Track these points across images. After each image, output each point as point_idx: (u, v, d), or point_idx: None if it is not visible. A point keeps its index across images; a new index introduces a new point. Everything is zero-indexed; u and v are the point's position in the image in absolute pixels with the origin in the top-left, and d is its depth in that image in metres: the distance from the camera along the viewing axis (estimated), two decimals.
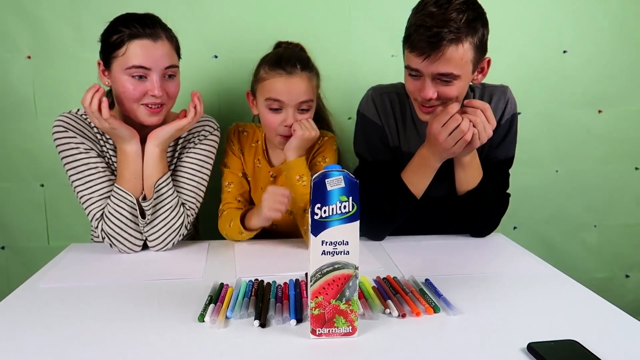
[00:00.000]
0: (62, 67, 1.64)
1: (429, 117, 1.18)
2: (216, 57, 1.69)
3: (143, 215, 1.22)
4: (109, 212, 1.21)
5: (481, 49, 1.14)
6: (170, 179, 1.26)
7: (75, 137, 1.24)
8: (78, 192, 1.23)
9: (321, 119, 1.41)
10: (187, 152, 1.33)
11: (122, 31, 1.17)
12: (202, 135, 1.35)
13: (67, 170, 1.24)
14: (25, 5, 1.60)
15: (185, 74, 1.58)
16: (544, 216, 1.89)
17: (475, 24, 1.09)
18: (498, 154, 1.31)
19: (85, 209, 1.24)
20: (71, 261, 1.19)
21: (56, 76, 1.64)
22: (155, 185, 1.22)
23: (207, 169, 1.34)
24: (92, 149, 1.25)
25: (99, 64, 1.24)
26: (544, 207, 1.88)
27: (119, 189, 1.20)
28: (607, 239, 1.91)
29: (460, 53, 1.08)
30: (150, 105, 1.21)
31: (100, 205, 1.22)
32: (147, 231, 1.24)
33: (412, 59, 1.12)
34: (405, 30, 1.14)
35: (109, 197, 1.22)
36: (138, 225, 1.22)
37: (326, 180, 0.77)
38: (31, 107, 1.66)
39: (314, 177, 0.78)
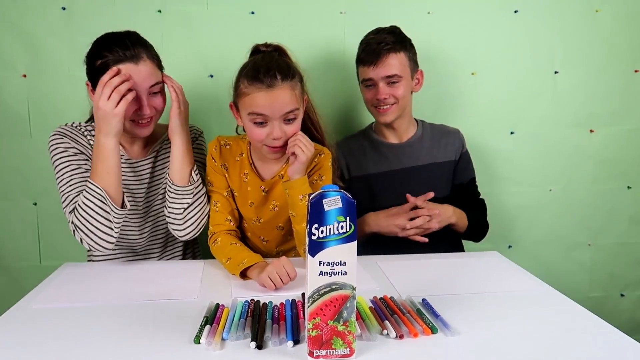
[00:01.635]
0: (57, 86, 1.64)
1: (386, 117, 1.50)
2: (212, 76, 1.70)
3: (122, 206, 1.23)
4: (79, 206, 1.20)
5: (414, 61, 1.51)
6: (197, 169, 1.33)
7: (68, 142, 1.28)
8: (60, 188, 1.25)
9: (315, 135, 1.36)
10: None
11: (105, 56, 1.20)
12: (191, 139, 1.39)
13: (55, 172, 1.26)
14: (20, 24, 1.61)
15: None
16: (538, 235, 1.89)
17: (404, 42, 1.48)
18: (466, 177, 1.60)
19: (63, 202, 1.25)
20: (64, 281, 1.17)
21: (51, 95, 1.65)
22: (194, 172, 1.30)
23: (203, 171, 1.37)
24: (81, 153, 1.29)
25: (87, 84, 1.27)
26: (537, 226, 1.89)
27: (91, 183, 1.20)
28: (601, 258, 1.92)
29: (399, 59, 1.46)
30: (140, 121, 1.27)
31: (76, 201, 1.23)
32: (184, 218, 1.29)
33: (365, 70, 1.48)
34: (356, 58, 1.52)
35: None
36: (108, 220, 1.21)
37: (323, 201, 0.77)
38: (26, 125, 1.65)
39: (311, 197, 0.78)
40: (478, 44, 1.77)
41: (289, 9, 1.68)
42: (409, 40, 1.50)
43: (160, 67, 1.30)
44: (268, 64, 1.17)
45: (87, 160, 1.29)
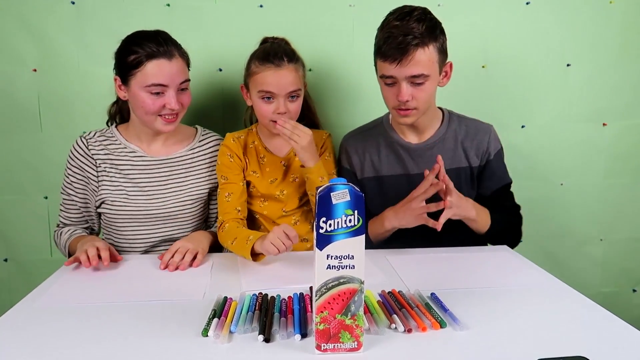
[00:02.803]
0: (67, 81, 1.65)
1: (406, 120, 1.31)
2: (221, 70, 1.70)
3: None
4: (57, 238, 1.44)
5: (443, 52, 1.28)
6: None
7: (75, 166, 1.40)
8: (60, 201, 1.45)
9: (310, 117, 1.53)
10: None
11: (138, 51, 1.27)
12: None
13: (61, 186, 1.44)
14: (30, 18, 1.61)
15: (191, 86, 1.59)
16: (549, 230, 1.87)
17: (434, 30, 1.24)
18: (496, 184, 1.43)
19: (59, 213, 1.46)
20: (72, 276, 1.17)
21: (61, 89, 1.65)
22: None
23: None
24: (81, 178, 1.40)
25: (115, 79, 1.35)
26: (548, 221, 1.87)
27: (67, 242, 1.38)
28: (613, 253, 1.89)
29: (427, 55, 1.23)
30: (167, 116, 1.33)
31: (64, 222, 1.46)
32: None
33: (386, 67, 1.25)
34: (375, 46, 1.29)
35: (70, 223, 1.45)
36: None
37: (331, 194, 0.76)
38: (36, 120, 1.66)
39: (318, 190, 0.77)
40: (488, 36, 1.75)
41: (297, 2, 1.67)
42: (440, 25, 1.26)
43: (188, 65, 1.37)
44: (276, 49, 1.34)
45: (83, 182, 1.40)
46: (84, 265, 1.17)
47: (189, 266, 1.22)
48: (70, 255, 1.35)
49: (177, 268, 1.20)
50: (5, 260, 1.75)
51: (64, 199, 1.43)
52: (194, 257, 1.24)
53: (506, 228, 1.39)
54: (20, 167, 1.69)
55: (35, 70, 1.64)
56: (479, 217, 1.31)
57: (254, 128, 1.48)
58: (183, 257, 1.22)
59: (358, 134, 1.50)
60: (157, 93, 1.29)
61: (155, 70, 1.28)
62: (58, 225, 1.47)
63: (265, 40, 1.43)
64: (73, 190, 1.41)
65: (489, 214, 1.35)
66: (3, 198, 1.70)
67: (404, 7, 1.26)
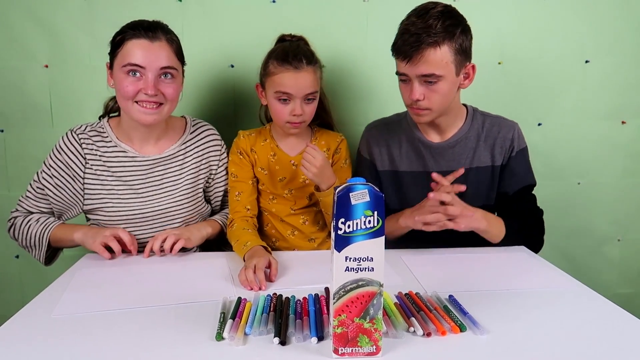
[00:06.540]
0: (78, 76, 1.65)
1: (420, 119, 1.30)
2: (232, 66, 1.68)
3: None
4: (19, 226, 1.34)
5: (462, 53, 1.23)
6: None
7: (60, 161, 1.32)
8: (29, 185, 1.36)
9: (325, 117, 1.51)
10: (219, 166, 1.44)
11: (125, 31, 1.24)
12: (220, 148, 1.45)
13: (38, 171, 1.36)
14: (42, 14, 1.61)
15: (202, 83, 1.58)
16: (566, 229, 1.84)
17: (453, 29, 1.19)
18: (517, 184, 1.38)
19: (20, 199, 1.38)
20: (84, 278, 1.13)
21: (73, 85, 1.65)
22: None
23: None
24: (66, 176, 1.33)
25: (107, 65, 1.30)
26: (565, 220, 1.84)
27: (47, 232, 1.31)
28: (631, 253, 1.86)
29: (439, 55, 1.18)
30: (144, 104, 1.25)
31: (29, 210, 1.37)
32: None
33: (399, 63, 1.25)
34: (393, 42, 1.26)
35: (33, 213, 1.36)
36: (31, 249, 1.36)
37: (350, 194, 0.74)
38: (47, 115, 1.66)
39: (337, 190, 0.75)
40: (505, 32, 1.71)
41: None
42: (463, 25, 1.22)
43: (179, 56, 1.31)
44: (295, 50, 1.32)
45: (67, 179, 1.33)
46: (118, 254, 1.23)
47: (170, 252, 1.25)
48: (49, 245, 1.34)
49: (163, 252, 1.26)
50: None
51: (37, 188, 1.34)
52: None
53: (524, 235, 1.35)
54: (32, 162, 1.68)
55: (46, 66, 1.64)
56: (491, 228, 1.27)
57: (268, 126, 1.48)
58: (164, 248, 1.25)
59: (381, 124, 1.47)
60: (135, 75, 1.22)
61: (134, 49, 1.21)
62: (17, 210, 1.37)
63: (282, 39, 1.41)
64: (52, 185, 1.33)
65: (504, 223, 1.31)
66: (14, 193, 1.69)
67: (429, 3, 1.23)
